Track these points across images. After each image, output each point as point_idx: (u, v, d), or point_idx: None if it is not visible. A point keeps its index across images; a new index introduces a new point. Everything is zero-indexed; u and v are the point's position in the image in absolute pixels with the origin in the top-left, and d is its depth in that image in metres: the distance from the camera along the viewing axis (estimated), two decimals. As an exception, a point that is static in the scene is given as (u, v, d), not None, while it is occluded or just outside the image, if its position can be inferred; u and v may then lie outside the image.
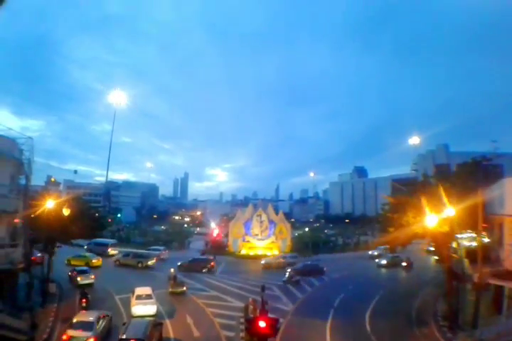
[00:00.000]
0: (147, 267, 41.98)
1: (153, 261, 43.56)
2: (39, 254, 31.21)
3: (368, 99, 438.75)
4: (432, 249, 48.22)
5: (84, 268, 34.57)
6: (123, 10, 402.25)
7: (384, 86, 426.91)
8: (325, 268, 40.68)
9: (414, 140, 72.52)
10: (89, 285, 31.02)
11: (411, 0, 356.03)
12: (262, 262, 45.99)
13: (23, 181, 22.91)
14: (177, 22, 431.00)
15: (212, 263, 42.14)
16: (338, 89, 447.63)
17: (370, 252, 54.84)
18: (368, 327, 22.37)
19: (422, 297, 29.52)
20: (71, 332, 18.03)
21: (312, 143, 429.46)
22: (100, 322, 19.51)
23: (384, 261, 45.73)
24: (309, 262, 44.40)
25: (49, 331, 20.50)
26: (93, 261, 39.86)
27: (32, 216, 22.75)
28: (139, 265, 41.76)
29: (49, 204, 22.87)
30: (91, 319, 19.19)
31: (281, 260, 46.15)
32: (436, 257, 43.86)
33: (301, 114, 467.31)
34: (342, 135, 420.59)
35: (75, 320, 19.17)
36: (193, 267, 40.64)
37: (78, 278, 31.16)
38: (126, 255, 43.99)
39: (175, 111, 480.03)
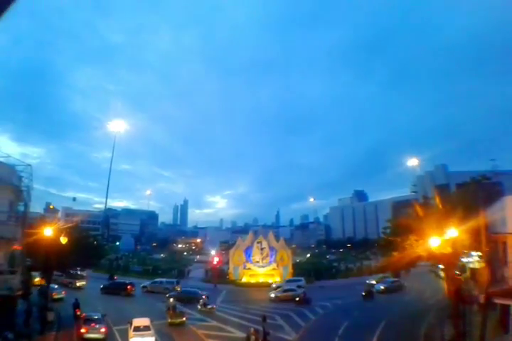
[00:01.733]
0: (79, 288, 45.22)
1: (83, 282, 46.66)
2: None
3: (365, 123, 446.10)
4: (373, 282, 46.62)
5: (55, 286, 37.93)
6: (124, 40, 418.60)
7: (380, 109, 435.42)
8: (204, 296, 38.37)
9: (413, 161, 72.62)
10: (61, 299, 35.76)
11: (403, 28, 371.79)
12: (141, 285, 47.16)
13: (21, 208, 22.80)
14: (177, 52, 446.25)
15: (129, 287, 43.40)
16: (335, 115, 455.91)
17: (273, 285, 49.87)
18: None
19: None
20: (87, 327, 23.61)
21: (311, 169, 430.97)
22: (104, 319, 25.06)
23: (272, 295, 41.78)
24: (189, 288, 43.03)
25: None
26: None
27: (30, 243, 22.60)
28: (69, 285, 44.45)
29: (47, 231, 22.75)
30: (97, 316, 25.35)
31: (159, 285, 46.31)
32: (363, 293, 41.15)
33: (299, 140, 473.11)
34: (341, 159, 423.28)
35: (85, 318, 24.78)
36: (112, 290, 43.28)
37: (53, 294, 34.95)
38: (61, 275, 45.77)
39: (175, 138, 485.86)
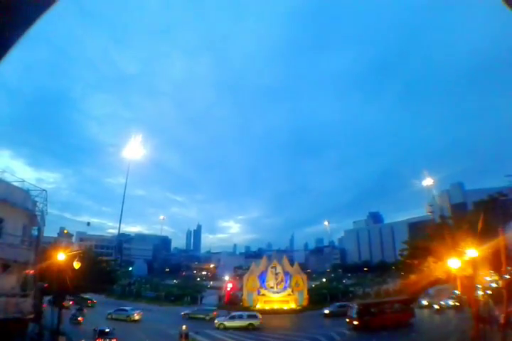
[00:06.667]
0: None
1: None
2: None
3: (377, 144, 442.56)
4: None
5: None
6: (138, 68, 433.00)
7: (392, 130, 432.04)
8: None
9: (428, 181, 71.65)
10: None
11: (410, 48, 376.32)
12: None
13: (35, 232, 23.06)
14: (190, 79, 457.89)
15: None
16: (347, 136, 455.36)
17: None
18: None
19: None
20: (101, 338, 26.79)
21: (324, 192, 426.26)
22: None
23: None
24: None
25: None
26: None
27: (43, 267, 22.74)
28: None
29: (60, 256, 22.84)
30: (108, 330, 28.90)
31: None
32: None
33: (311, 163, 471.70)
34: (354, 181, 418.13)
35: (99, 331, 28.01)
36: None
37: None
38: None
39: (188, 164, 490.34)
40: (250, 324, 38.47)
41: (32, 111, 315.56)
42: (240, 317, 39.55)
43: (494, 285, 25.69)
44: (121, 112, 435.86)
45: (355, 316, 36.33)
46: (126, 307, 44.08)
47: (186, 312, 46.29)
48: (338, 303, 50.04)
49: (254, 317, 39.65)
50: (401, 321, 35.65)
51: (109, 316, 41.57)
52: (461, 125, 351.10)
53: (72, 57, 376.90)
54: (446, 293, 46.13)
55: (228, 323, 38.61)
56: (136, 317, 41.69)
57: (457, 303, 43.78)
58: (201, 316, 45.09)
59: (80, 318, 35.17)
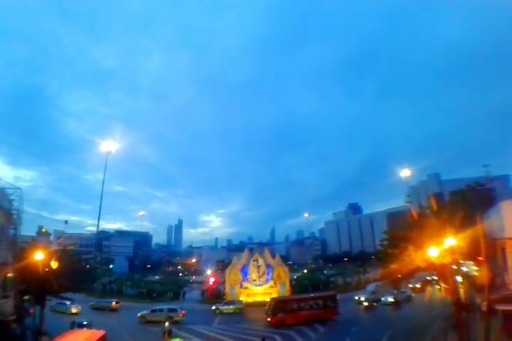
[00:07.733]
0: None
1: None
2: None
3: (357, 137, 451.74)
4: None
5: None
6: (117, 64, 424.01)
7: (371, 123, 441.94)
8: None
9: (405, 172, 73.13)
10: None
11: (389, 43, 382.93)
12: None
13: (12, 232, 22.28)
14: (169, 74, 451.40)
15: None
16: (327, 130, 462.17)
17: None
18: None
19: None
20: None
21: (305, 184, 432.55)
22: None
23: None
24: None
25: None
26: None
27: (22, 267, 22.08)
28: None
29: (38, 255, 22.13)
30: (86, 322, 31.08)
31: None
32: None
33: (292, 157, 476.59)
34: (334, 174, 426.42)
35: (77, 324, 29.64)
36: None
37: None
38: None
39: (167, 159, 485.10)
40: (170, 317, 38.76)
41: (9, 108, 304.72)
42: (161, 310, 40.31)
43: (473, 272, 26.39)
44: (100, 108, 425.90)
45: (269, 313, 36.40)
46: (66, 302, 44.35)
47: (92, 303, 50.03)
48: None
49: (175, 310, 40.45)
50: (322, 318, 35.36)
51: (52, 309, 42.88)
52: (437, 118, 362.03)
53: (51, 53, 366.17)
54: (387, 288, 44.59)
55: (149, 317, 39.37)
56: (74, 310, 44.10)
57: (394, 300, 43.71)
58: (104, 307, 48.37)
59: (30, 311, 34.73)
